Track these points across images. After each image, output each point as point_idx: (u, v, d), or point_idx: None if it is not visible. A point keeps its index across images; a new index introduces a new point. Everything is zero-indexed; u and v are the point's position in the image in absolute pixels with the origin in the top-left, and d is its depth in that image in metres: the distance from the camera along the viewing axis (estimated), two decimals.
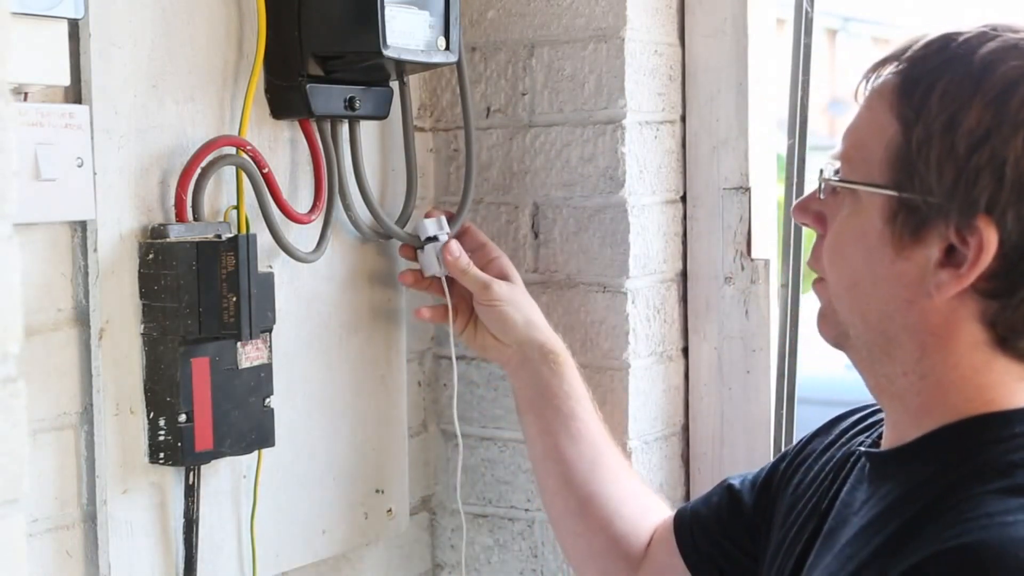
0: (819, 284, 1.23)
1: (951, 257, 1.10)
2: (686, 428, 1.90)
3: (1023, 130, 1.06)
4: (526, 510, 1.88)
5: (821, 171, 1.20)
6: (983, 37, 1.12)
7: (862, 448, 1.25)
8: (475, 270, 1.68)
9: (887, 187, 1.12)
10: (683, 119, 1.88)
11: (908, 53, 1.15)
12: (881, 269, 1.13)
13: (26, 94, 1.36)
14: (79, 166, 1.41)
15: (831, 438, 1.37)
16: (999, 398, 1.13)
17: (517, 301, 1.68)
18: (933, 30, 1.16)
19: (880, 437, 1.26)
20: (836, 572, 1.13)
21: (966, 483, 1.09)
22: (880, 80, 1.16)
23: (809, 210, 1.22)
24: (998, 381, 1.14)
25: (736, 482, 1.50)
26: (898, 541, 1.08)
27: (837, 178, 1.17)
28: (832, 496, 1.25)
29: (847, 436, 1.35)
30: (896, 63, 1.15)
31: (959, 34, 1.13)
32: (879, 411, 1.34)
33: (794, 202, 1.25)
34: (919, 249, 1.11)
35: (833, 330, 1.22)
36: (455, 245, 1.69)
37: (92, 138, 1.42)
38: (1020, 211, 1.07)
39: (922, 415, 1.16)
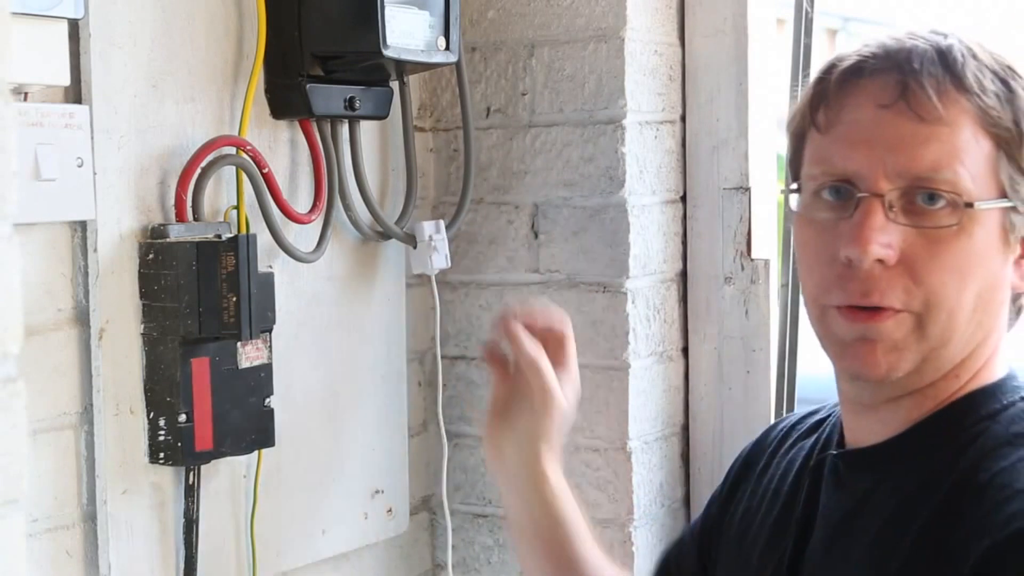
0: (891, 316, 1.12)
1: None
2: (686, 428, 1.90)
3: None
4: None
5: (888, 199, 1.12)
6: (967, 43, 1.15)
7: (833, 452, 1.23)
8: (548, 366, 1.35)
9: (1007, 198, 1.14)
10: (683, 119, 1.88)
11: (955, 72, 1.13)
12: (993, 279, 1.15)
13: (26, 94, 1.36)
14: (79, 166, 1.40)
15: (765, 459, 1.35)
16: (985, 371, 1.18)
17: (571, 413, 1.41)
18: (920, 40, 1.16)
19: (840, 437, 1.25)
20: (878, 569, 1.12)
21: (987, 461, 1.11)
22: (938, 95, 1.12)
23: (883, 243, 1.11)
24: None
25: (671, 546, 1.46)
26: (941, 527, 1.09)
27: (965, 200, 1.11)
28: (804, 506, 1.23)
29: (783, 450, 1.33)
30: (945, 82, 1.12)
31: (970, 47, 1.15)
32: (807, 417, 1.35)
33: (858, 242, 1.10)
34: (1011, 251, 1.16)
35: (913, 361, 1.13)
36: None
37: (92, 138, 1.42)
38: None
39: (927, 401, 1.18)
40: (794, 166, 1.22)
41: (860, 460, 1.20)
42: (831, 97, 1.16)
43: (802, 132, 1.19)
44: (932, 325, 1.12)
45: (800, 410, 1.38)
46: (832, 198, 1.14)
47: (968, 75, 1.12)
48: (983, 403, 1.16)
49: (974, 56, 1.14)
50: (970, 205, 1.10)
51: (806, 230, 1.18)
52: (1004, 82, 1.13)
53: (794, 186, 1.20)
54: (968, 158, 1.11)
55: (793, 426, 1.36)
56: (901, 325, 1.12)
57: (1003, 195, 1.13)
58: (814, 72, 1.21)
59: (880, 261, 1.10)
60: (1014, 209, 1.14)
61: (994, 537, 1.05)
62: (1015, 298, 1.19)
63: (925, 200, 1.11)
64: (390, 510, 1.82)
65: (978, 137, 1.11)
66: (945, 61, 1.13)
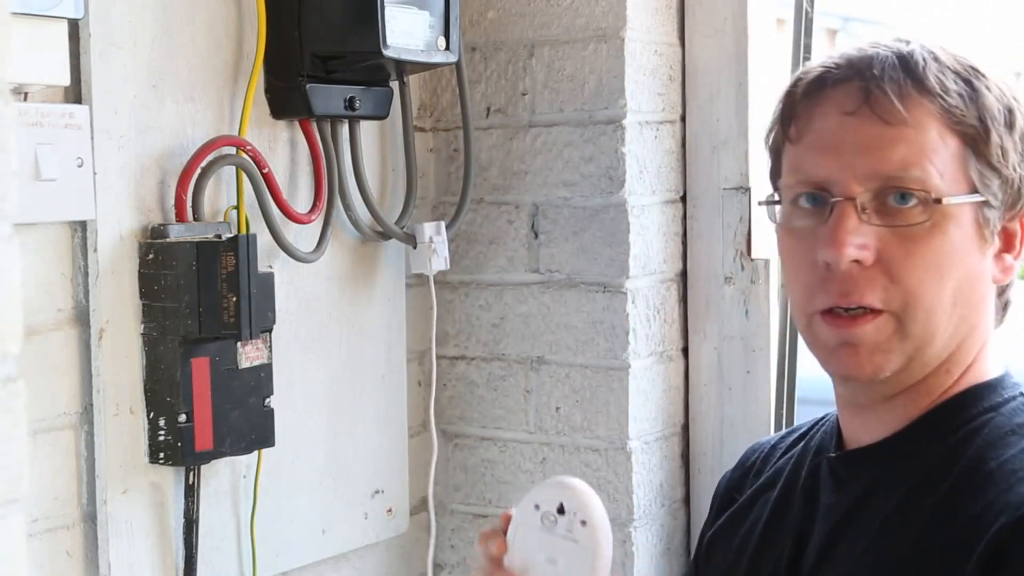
0: (871, 320, 1.14)
1: (1003, 243, 1.19)
2: (686, 428, 1.90)
3: None
4: None
5: (860, 201, 1.14)
6: (930, 48, 1.18)
7: (831, 454, 1.25)
8: None
9: (978, 193, 1.16)
10: (683, 119, 1.88)
11: (915, 74, 1.15)
12: (974, 273, 1.17)
13: (26, 94, 1.36)
14: (79, 166, 1.40)
15: (750, 479, 1.36)
16: (979, 366, 1.20)
17: None
18: (882, 48, 1.19)
19: (836, 442, 1.25)
20: (887, 554, 1.14)
21: (993, 449, 1.14)
22: (898, 97, 1.14)
23: (856, 244, 1.13)
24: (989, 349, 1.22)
25: None
26: (951, 510, 1.12)
27: (934, 196, 1.13)
28: (800, 510, 1.24)
29: (769, 466, 1.34)
30: (906, 85, 1.15)
31: (932, 51, 1.18)
32: (787, 436, 1.37)
33: (834, 244, 1.13)
34: (989, 245, 1.18)
35: (900, 360, 1.15)
36: None
37: (92, 138, 1.42)
38: None
39: (922, 398, 1.19)
40: (774, 180, 1.25)
41: (860, 458, 1.22)
42: (799, 109, 1.19)
43: (777, 146, 1.23)
44: (912, 324, 1.14)
45: (776, 433, 1.41)
46: (809, 205, 1.17)
47: (930, 77, 1.15)
48: (983, 397, 1.18)
49: (936, 59, 1.16)
50: (939, 201, 1.13)
51: (787, 239, 1.21)
52: (967, 82, 1.16)
53: (776, 198, 1.23)
54: (935, 156, 1.14)
55: (774, 445, 1.38)
56: (882, 328, 1.15)
57: (974, 191, 1.15)
58: (782, 86, 1.24)
59: (857, 262, 1.13)
60: (986, 204, 1.16)
61: (1009, 516, 1.08)
62: (1000, 292, 1.21)
63: (896, 200, 1.14)
64: (390, 510, 1.82)
65: (944, 136, 1.14)
66: (906, 65, 1.16)
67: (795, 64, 1.82)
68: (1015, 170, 1.16)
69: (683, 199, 1.89)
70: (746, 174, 1.84)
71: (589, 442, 1.83)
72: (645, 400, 1.83)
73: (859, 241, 1.13)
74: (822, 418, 1.32)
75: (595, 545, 1.13)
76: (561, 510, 1.14)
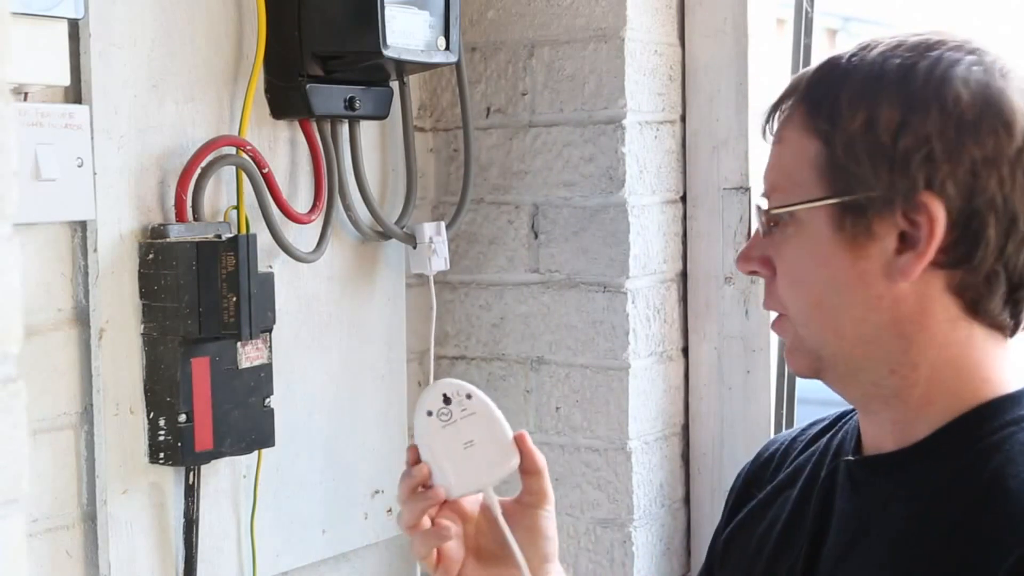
0: (779, 322, 1.22)
1: (906, 241, 1.14)
2: (686, 428, 1.91)
3: (933, 106, 1.12)
4: None
5: (760, 214, 1.22)
6: (865, 48, 1.18)
7: (849, 457, 1.24)
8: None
9: (826, 197, 1.15)
10: (683, 119, 1.88)
11: (802, 85, 1.19)
12: (843, 275, 1.16)
13: (26, 94, 1.36)
14: (79, 166, 1.41)
15: (769, 473, 1.36)
16: (995, 377, 1.17)
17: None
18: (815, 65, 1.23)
19: (854, 443, 1.25)
20: (903, 567, 1.13)
21: (1013, 466, 1.11)
22: (785, 115, 1.19)
23: (753, 257, 1.21)
24: (990, 358, 1.18)
25: None
26: (970, 530, 1.10)
27: (774, 209, 1.18)
28: (817, 511, 1.24)
29: (789, 460, 1.34)
30: (794, 97, 1.19)
31: (842, 54, 1.19)
32: (808, 428, 1.36)
33: (738, 256, 1.25)
34: (874, 244, 1.14)
35: (806, 359, 1.20)
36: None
37: (92, 138, 1.42)
38: (956, 178, 1.11)
39: (926, 406, 1.17)
40: None
41: (879, 465, 1.20)
42: (766, 134, 1.25)
43: None
44: (798, 326, 1.19)
45: (796, 426, 1.41)
46: None
47: (811, 84, 1.17)
48: (1006, 410, 1.16)
49: (857, 57, 1.16)
50: (780, 214, 1.17)
51: None
52: (879, 75, 1.14)
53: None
54: (794, 166, 1.17)
55: (795, 438, 1.37)
56: (785, 329, 1.21)
57: (833, 193, 1.14)
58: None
59: (756, 272, 1.21)
60: (846, 205, 1.13)
61: None
62: (959, 292, 1.14)
63: (767, 214, 1.19)
64: (390, 510, 1.82)
65: (804, 142, 1.16)
66: (804, 77, 1.19)
67: (795, 64, 1.83)
68: (892, 168, 1.12)
69: (683, 199, 1.89)
70: (746, 174, 1.84)
71: (589, 442, 1.83)
72: (645, 400, 1.83)
73: (757, 254, 1.20)
74: (846, 413, 1.31)
75: (488, 407, 1.23)
76: (447, 400, 1.22)
